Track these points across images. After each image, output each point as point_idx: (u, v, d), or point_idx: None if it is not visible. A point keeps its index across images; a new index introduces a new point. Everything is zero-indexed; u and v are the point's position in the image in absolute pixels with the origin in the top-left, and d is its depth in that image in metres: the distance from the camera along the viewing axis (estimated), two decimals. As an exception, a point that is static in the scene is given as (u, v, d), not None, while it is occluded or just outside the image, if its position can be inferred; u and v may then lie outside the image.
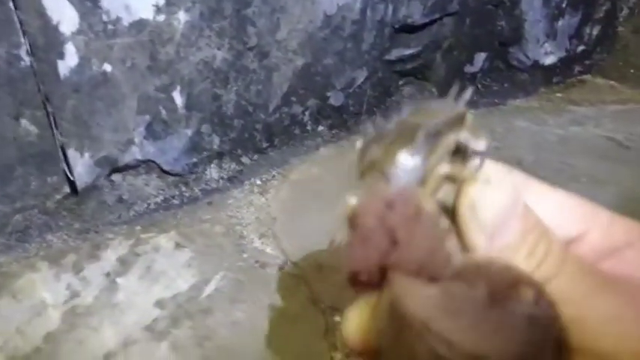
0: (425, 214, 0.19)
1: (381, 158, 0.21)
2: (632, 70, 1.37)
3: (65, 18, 0.77)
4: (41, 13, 0.75)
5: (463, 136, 0.20)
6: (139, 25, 0.82)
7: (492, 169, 0.21)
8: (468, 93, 0.22)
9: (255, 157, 1.06)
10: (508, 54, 1.32)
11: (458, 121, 0.21)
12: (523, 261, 0.20)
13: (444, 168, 0.20)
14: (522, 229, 0.20)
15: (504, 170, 0.21)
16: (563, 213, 0.23)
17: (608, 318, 0.19)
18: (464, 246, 0.20)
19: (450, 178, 0.21)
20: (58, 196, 0.88)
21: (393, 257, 0.18)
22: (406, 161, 0.20)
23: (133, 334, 0.72)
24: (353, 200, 0.20)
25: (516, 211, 0.20)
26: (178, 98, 0.89)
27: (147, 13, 0.82)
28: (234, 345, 0.71)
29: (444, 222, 0.20)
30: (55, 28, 0.76)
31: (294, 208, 0.96)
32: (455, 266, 0.19)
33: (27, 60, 0.75)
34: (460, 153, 0.21)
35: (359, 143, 0.22)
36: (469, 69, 1.28)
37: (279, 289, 0.79)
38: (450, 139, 0.20)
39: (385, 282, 0.19)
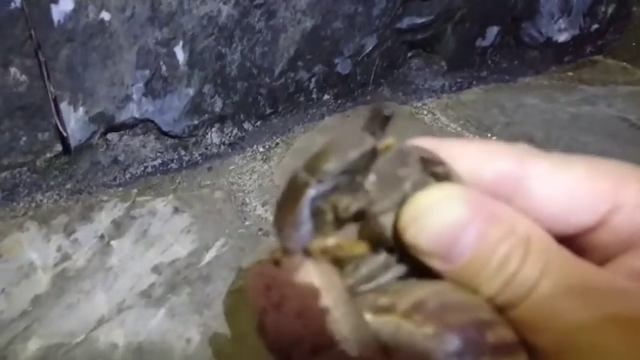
0: (290, 300, 0.17)
1: (275, 224, 0.19)
2: (644, 52, 1.34)
3: (60, -42, 0.71)
4: (34, -49, 0.68)
5: (354, 204, 0.18)
6: (140, -29, 0.76)
7: (433, 190, 0.18)
8: (390, 112, 0.19)
9: (258, 123, 1.01)
10: (520, 29, 1.28)
11: (365, 161, 0.18)
12: (490, 279, 0.17)
13: (327, 242, 0.18)
14: (485, 242, 0.17)
15: (447, 185, 0.18)
16: (579, 194, 0.19)
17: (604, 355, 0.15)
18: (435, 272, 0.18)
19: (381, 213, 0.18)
20: (49, 155, 0.82)
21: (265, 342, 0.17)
22: (291, 232, 0.18)
23: (128, 300, 0.68)
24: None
25: (472, 226, 0.17)
26: (180, 54, 0.83)
27: (149, -42, 0.76)
28: (235, 313, 0.67)
29: (329, 298, 0.17)
30: (49, -31, 0.70)
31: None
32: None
33: (17, 1, 0.69)
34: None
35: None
36: (480, 43, 1.23)
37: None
38: (342, 204, 0.18)
39: None
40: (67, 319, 0.65)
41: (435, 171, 0.19)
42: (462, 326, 0.16)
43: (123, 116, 0.83)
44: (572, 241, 0.19)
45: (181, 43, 0.83)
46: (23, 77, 0.74)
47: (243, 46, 0.91)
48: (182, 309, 0.67)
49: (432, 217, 0.17)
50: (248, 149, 0.98)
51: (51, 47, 0.74)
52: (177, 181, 0.89)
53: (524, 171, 0.20)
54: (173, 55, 0.83)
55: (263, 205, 0.85)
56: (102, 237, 0.76)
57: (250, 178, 0.91)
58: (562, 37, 1.29)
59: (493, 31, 1.24)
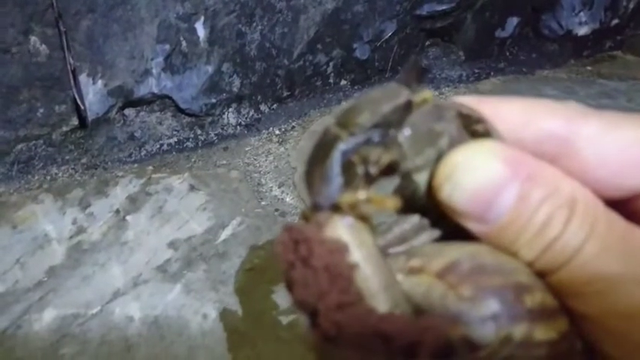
0: (317, 254, 0.17)
1: (304, 179, 0.19)
2: (665, 48, 1.32)
3: None
4: None
5: (390, 155, 0.17)
6: (164, -56, 0.75)
7: (464, 150, 0.17)
8: (422, 70, 0.18)
9: (274, 105, 1.00)
10: (540, 21, 1.26)
11: (400, 115, 0.17)
12: (530, 242, 0.16)
13: (358, 195, 0.17)
14: (525, 203, 0.16)
15: (479, 143, 0.17)
16: (630, 156, 0.18)
17: None
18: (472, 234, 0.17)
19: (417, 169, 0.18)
20: (65, 128, 0.81)
21: (292, 296, 0.17)
22: (321, 187, 0.17)
23: (144, 274, 0.67)
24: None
25: (511, 185, 0.16)
26: (201, 30, 0.82)
27: None
28: (251, 291, 0.66)
29: (358, 254, 0.17)
30: (73, -63, 0.69)
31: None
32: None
33: (40, -32, 0.69)
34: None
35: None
36: (500, 34, 1.22)
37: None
38: (373, 157, 0.17)
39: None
40: (83, 291, 0.65)
41: (474, 128, 0.18)
42: (499, 289, 0.15)
43: (142, 91, 0.82)
44: (623, 206, 0.18)
45: (202, 19, 0.82)
46: (43, 47, 0.73)
47: (263, 25, 0.90)
48: (198, 285, 0.67)
49: (469, 175, 0.16)
50: (264, 131, 0.97)
51: (72, 17, 0.73)
52: (193, 159, 0.88)
53: (572, 131, 0.18)
54: (194, 31, 0.82)
55: (279, 187, 0.84)
56: (117, 212, 0.75)
57: (266, 160, 0.90)
58: (582, 31, 1.27)
59: (513, 22, 1.22)
